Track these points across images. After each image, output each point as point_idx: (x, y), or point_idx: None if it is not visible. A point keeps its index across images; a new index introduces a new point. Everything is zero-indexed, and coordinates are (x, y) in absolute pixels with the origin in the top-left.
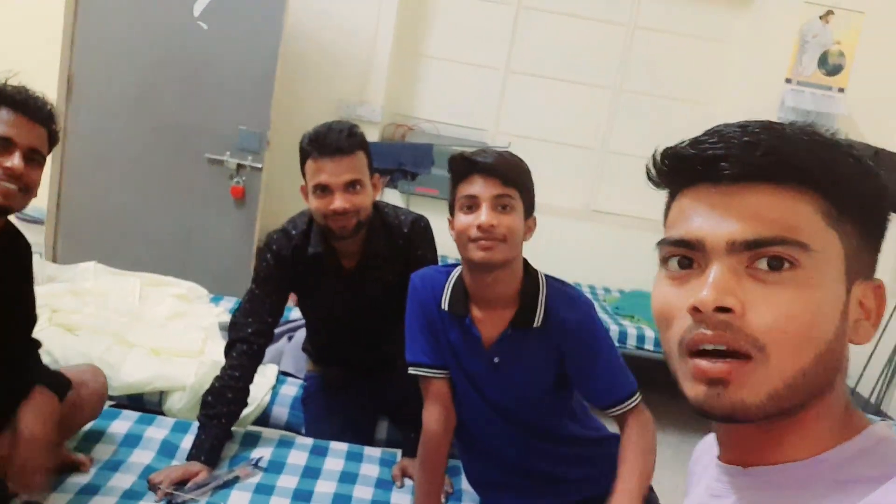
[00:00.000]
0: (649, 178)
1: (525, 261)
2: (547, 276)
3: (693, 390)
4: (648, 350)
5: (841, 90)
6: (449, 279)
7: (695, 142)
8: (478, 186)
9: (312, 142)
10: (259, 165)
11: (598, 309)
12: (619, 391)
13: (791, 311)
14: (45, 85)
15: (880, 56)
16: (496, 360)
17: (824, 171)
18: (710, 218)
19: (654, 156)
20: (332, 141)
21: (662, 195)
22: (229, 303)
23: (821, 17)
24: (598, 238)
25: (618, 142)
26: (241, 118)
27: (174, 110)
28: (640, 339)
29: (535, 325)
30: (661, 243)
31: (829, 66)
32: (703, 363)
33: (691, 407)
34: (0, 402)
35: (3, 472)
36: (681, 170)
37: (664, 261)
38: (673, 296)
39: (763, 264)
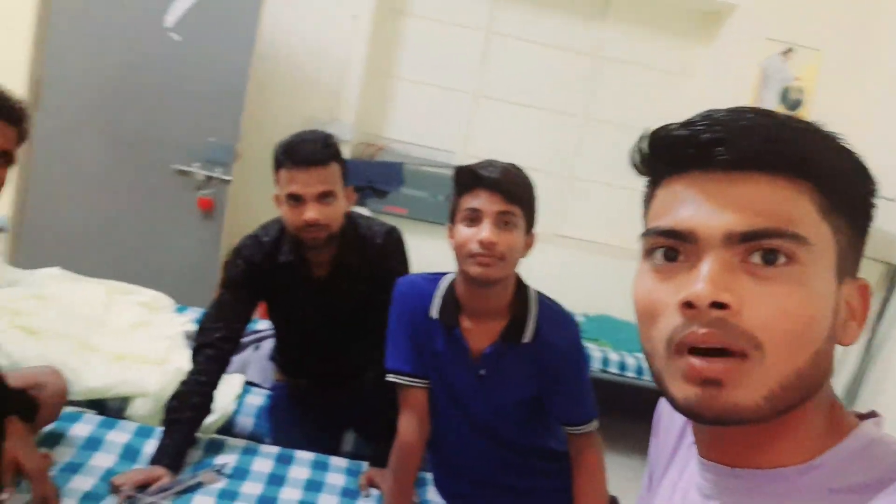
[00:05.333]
0: (632, 162)
1: (518, 275)
2: (539, 293)
3: (683, 391)
4: (613, 373)
5: None
6: (438, 287)
7: (686, 123)
8: (481, 200)
9: (286, 151)
10: (228, 178)
11: None
12: (586, 413)
13: (789, 307)
14: (11, 87)
15: (837, 92)
16: (482, 372)
17: (821, 161)
18: (702, 208)
19: (640, 138)
20: (307, 151)
21: (627, 222)
22: (195, 313)
23: (781, 54)
24: (564, 262)
25: (583, 168)
26: (211, 130)
27: (143, 120)
28: (605, 362)
29: (524, 340)
30: (647, 234)
31: (790, 101)
32: (696, 362)
33: (678, 408)
34: None
35: None
36: (670, 153)
37: (649, 252)
38: (659, 290)
39: (757, 258)
